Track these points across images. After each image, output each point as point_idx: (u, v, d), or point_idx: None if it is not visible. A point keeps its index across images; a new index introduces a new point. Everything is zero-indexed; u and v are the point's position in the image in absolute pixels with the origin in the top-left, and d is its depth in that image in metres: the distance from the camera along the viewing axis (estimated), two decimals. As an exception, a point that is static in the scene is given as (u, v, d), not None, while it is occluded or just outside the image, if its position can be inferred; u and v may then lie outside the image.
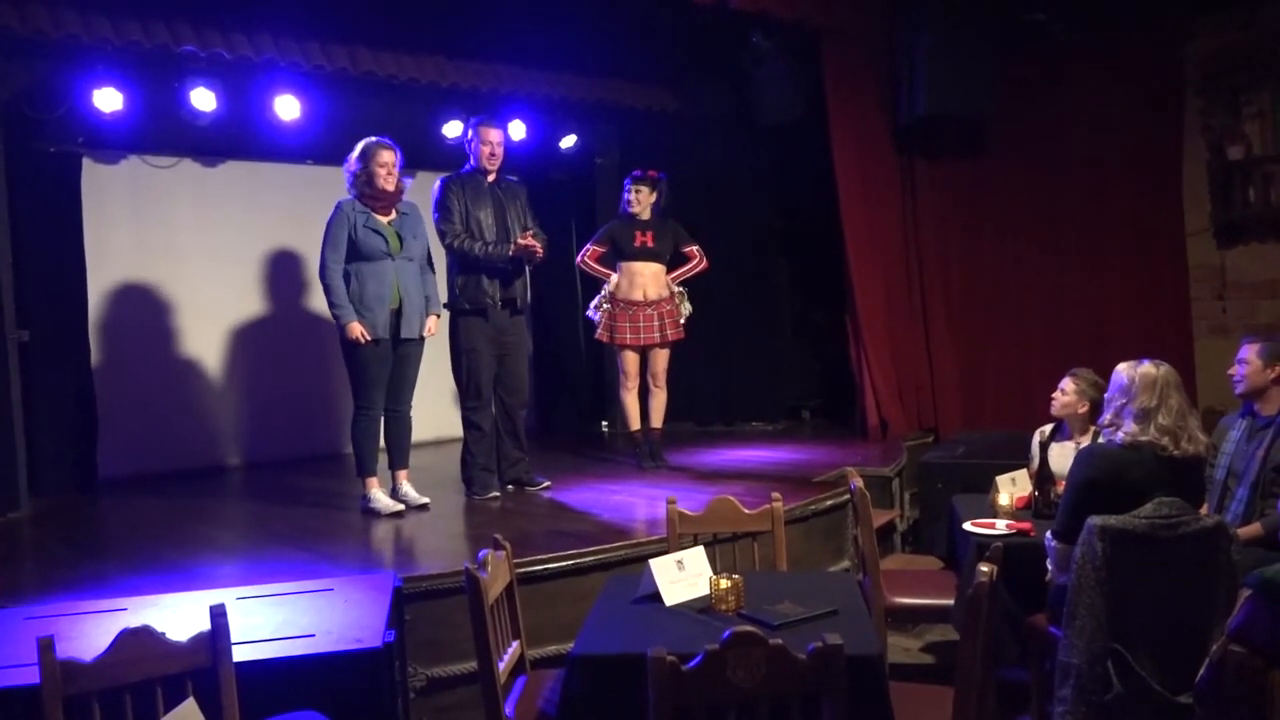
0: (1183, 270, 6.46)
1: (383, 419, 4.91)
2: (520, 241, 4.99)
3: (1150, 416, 2.93)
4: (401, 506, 4.79)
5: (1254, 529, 3.43)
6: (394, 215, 4.79)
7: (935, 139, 6.87)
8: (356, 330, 4.62)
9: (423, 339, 4.90)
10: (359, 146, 4.75)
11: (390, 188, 4.73)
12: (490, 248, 4.99)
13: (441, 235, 5.01)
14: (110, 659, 2.16)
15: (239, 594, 3.09)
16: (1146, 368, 3.01)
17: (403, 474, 4.95)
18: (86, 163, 6.04)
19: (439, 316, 4.98)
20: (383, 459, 4.95)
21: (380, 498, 4.80)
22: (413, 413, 5.00)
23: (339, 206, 4.72)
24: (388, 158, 4.72)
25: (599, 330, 5.80)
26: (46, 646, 2.10)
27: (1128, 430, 2.96)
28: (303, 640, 2.59)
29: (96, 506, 5.59)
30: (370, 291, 4.67)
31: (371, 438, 4.84)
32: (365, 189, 4.71)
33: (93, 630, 2.73)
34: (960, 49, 6.27)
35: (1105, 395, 3.14)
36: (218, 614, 2.29)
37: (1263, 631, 1.98)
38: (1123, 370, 3.06)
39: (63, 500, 5.59)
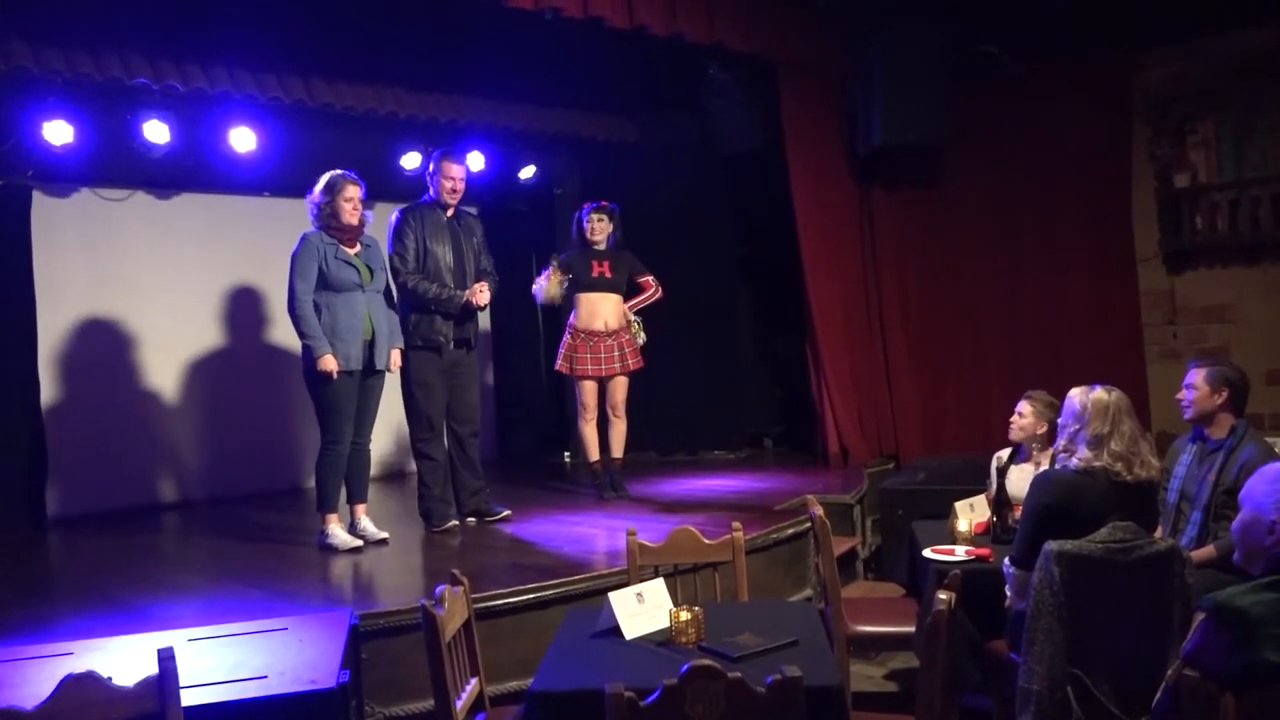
0: (1134, 296, 6.58)
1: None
2: (472, 298, 5.00)
3: (1103, 442, 2.97)
4: (359, 542, 4.72)
5: (1207, 552, 3.47)
6: (358, 248, 4.77)
7: (892, 169, 6.97)
8: (331, 363, 4.56)
9: (385, 372, 4.86)
10: (324, 180, 4.72)
11: (355, 222, 4.72)
12: (443, 293, 4.97)
13: (394, 272, 5.00)
14: (52, 707, 2.09)
15: (191, 635, 3.02)
16: (1098, 394, 3.05)
17: (361, 508, 4.89)
18: (36, 195, 5.96)
19: (402, 350, 4.94)
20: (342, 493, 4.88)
21: (339, 533, 4.73)
22: (372, 446, 4.95)
23: (306, 238, 4.68)
24: (353, 192, 4.71)
25: (559, 362, 5.77)
26: (-14, 695, 2.04)
27: (1081, 456, 3.00)
28: (255, 682, 2.54)
29: (45, 546, 5.47)
30: (343, 323, 4.63)
31: (337, 473, 4.76)
32: (330, 222, 4.68)
33: (36, 676, 2.65)
34: (914, 80, 6.37)
35: (1059, 421, 3.17)
36: (165, 658, 2.22)
37: (1215, 655, 2.00)
38: (1075, 396, 3.10)
39: (10, 539, 5.45)
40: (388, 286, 4.93)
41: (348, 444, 4.77)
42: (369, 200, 7.22)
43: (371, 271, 4.77)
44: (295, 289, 4.63)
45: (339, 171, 4.75)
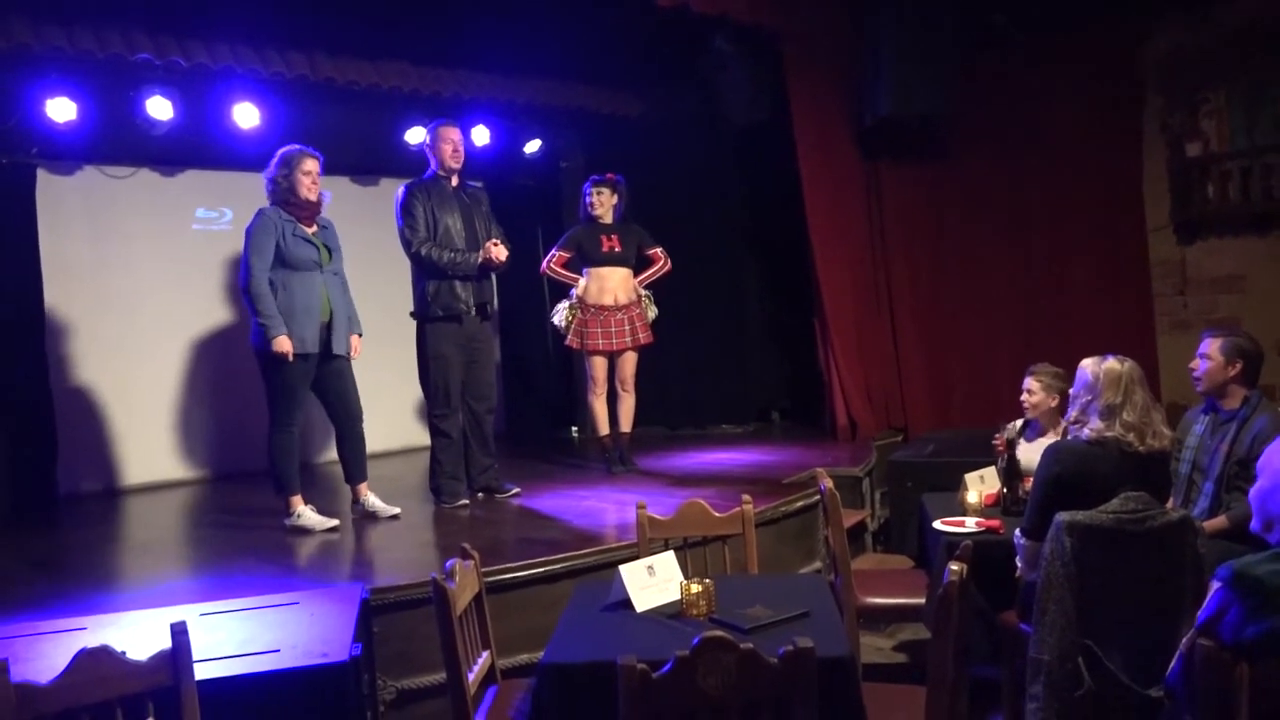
0: (1145, 266, 6.54)
1: (338, 437, 4.81)
2: (488, 255, 4.95)
3: (1115, 413, 2.95)
4: (335, 522, 4.63)
5: (1219, 522, 3.46)
6: (315, 228, 4.64)
7: (898, 139, 6.90)
8: (285, 345, 4.43)
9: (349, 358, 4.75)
10: (281, 154, 4.59)
11: (314, 197, 4.60)
12: (458, 256, 4.94)
13: (406, 244, 4.95)
14: (67, 680, 2.10)
15: (203, 610, 3.04)
16: (1111, 364, 3.03)
17: (363, 486, 4.86)
18: (41, 174, 5.94)
19: (361, 336, 4.82)
20: (334, 471, 4.85)
21: (309, 515, 4.63)
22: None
23: (263, 214, 4.53)
24: (312, 166, 4.58)
25: (569, 337, 5.75)
26: (1, 669, 2.05)
27: (1093, 426, 2.98)
28: (268, 656, 2.55)
29: (56, 524, 5.48)
30: (300, 303, 4.50)
31: (292, 455, 4.64)
32: (288, 198, 4.55)
33: (51, 651, 2.66)
34: (921, 50, 6.30)
35: (1070, 392, 3.16)
36: (179, 631, 2.23)
37: (1230, 624, 1.99)
38: (1087, 366, 3.08)
39: (21, 518, 5.48)
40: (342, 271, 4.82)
41: (299, 428, 4.67)
42: (373, 175, 7.22)
43: (330, 251, 4.66)
44: (251, 266, 4.46)
45: (296, 145, 4.61)
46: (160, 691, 2.20)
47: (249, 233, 4.51)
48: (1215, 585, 2.04)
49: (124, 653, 2.19)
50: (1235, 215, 6.25)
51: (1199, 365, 3.69)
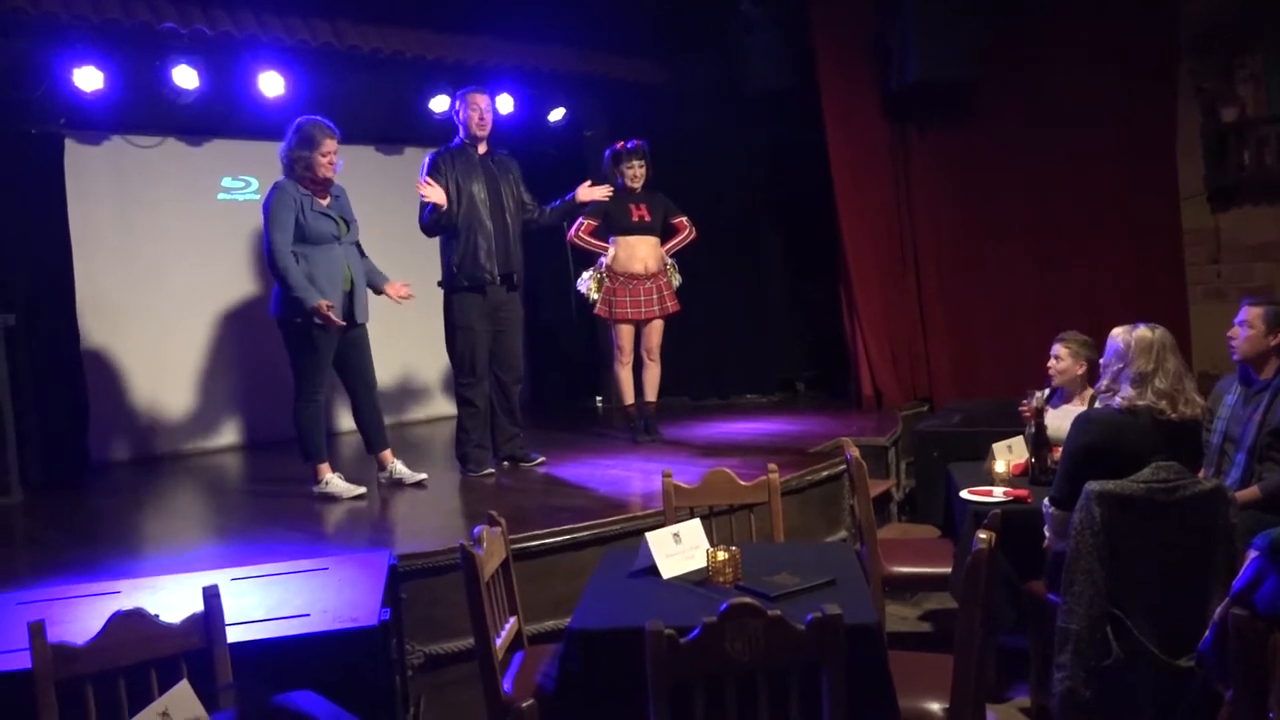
0: (1177, 234, 6.43)
1: (355, 407, 4.85)
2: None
3: (1147, 380, 2.92)
4: (362, 489, 4.67)
5: (1251, 492, 3.42)
6: (328, 200, 4.63)
7: (926, 106, 6.81)
8: (325, 308, 4.42)
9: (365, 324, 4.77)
10: (299, 128, 4.54)
11: (332, 176, 4.59)
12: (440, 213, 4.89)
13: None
14: (102, 642, 2.14)
15: (233, 575, 3.07)
16: (1143, 331, 2.99)
17: (387, 454, 4.90)
18: (69, 143, 5.96)
19: (388, 280, 4.83)
20: (360, 439, 4.87)
21: (337, 482, 4.67)
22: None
23: (280, 187, 4.51)
24: (332, 146, 4.53)
25: (598, 306, 5.73)
26: (38, 631, 2.08)
27: (1125, 395, 2.95)
28: (298, 620, 2.58)
29: (89, 491, 5.56)
30: (323, 275, 4.51)
31: (318, 424, 4.68)
32: (305, 174, 4.53)
33: (86, 614, 2.71)
34: (950, 13, 6.20)
35: (1101, 360, 3.12)
36: (211, 595, 2.27)
37: (1266, 594, 1.97)
38: (1119, 334, 3.04)
39: (54, 486, 5.55)
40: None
41: (324, 397, 4.70)
42: (396, 144, 7.21)
43: (347, 223, 4.66)
44: (275, 241, 4.44)
45: (315, 120, 4.56)
46: (193, 653, 2.23)
47: (268, 207, 4.51)
48: (1252, 554, 2.02)
49: (157, 616, 2.22)
50: (1272, 182, 6.12)
51: (1239, 333, 3.62)
